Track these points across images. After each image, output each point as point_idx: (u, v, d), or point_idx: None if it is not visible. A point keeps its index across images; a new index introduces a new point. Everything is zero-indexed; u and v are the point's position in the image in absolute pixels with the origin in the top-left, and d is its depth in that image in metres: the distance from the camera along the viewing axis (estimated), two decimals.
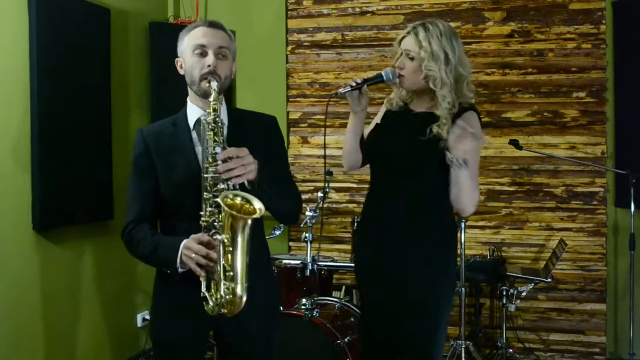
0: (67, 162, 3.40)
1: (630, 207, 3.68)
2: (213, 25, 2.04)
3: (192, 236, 1.88)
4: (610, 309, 4.11)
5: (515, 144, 3.66)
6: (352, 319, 3.26)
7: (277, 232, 3.59)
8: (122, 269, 3.89)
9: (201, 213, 1.89)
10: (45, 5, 3.22)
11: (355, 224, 2.69)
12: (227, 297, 1.83)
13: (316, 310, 3.11)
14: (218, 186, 1.87)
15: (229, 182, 1.86)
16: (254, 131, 2.05)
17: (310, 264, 3.37)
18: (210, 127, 1.91)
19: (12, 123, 3.11)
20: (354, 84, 2.39)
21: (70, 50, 3.42)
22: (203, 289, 1.87)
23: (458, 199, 2.32)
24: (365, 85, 2.41)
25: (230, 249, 1.83)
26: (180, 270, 1.91)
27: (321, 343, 3.04)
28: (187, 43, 2.04)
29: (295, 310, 3.15)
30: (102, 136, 3.70)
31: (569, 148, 4.12)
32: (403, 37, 2.39)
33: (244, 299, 1.85)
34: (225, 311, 1.86)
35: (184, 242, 1.90)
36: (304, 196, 4.46)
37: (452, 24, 4.18)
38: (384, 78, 2.40)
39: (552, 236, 4.13)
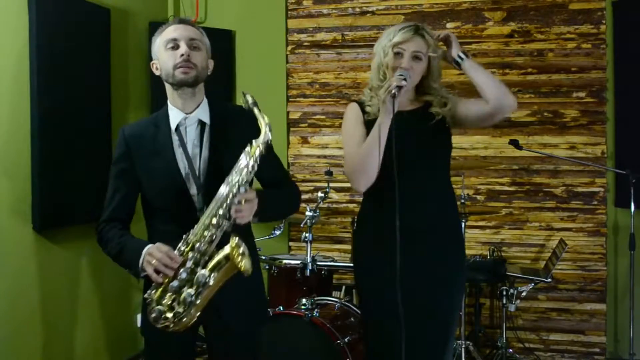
0: (67, 162, 3.40)
1: (630, 207, 3.68)
2: (183, 21, 2.09)
3: (159, 244, 1.92)
4: (610, 309, 4.11)
5: (515, 144, 3.66)
6: (352, 319, 3.26)
7: (277, 232, 3.59)
8: (122, 269, 3.87)
9: (191, 231, 1.92)
10: (45, 5, 3.22)
11: (357, 230, 2.53)
12: (182, 319, 1.88)
13: (316, 310, 3.11)
14: (223, 223, 1.89)
15: (234, 219, 1.90)
16: (240, 129, 2.04)
17: (310, 264, 3.37)
18: (247, 170, 1.90)
19: (12, 123, 3.11)
20: (404, 82, 2.19)
21: (70, 50, 3.42)
22: (150, 290, 1.93)
23: (494, 92, 2.25)
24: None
25: (206, 283, 1.87)
26: (142, 274, 1.95)
27: (321, 343, 3.03)
28: (160, 42, 2.07)
29: (295, 310, 3.14)
30: (102, 136, 3.70)
31: (569, 148, 4.12)
32: (402, 41, 2.29)
33: (187, 326, 1.90)
34: (171, 325, 1.90)
35: (147, 247, 1.93)
36: (304, 196, 4.45)
37: (452, 24, 4.25)
38: (408, 79, 2.25)
39: (552, 236, 4.13)
